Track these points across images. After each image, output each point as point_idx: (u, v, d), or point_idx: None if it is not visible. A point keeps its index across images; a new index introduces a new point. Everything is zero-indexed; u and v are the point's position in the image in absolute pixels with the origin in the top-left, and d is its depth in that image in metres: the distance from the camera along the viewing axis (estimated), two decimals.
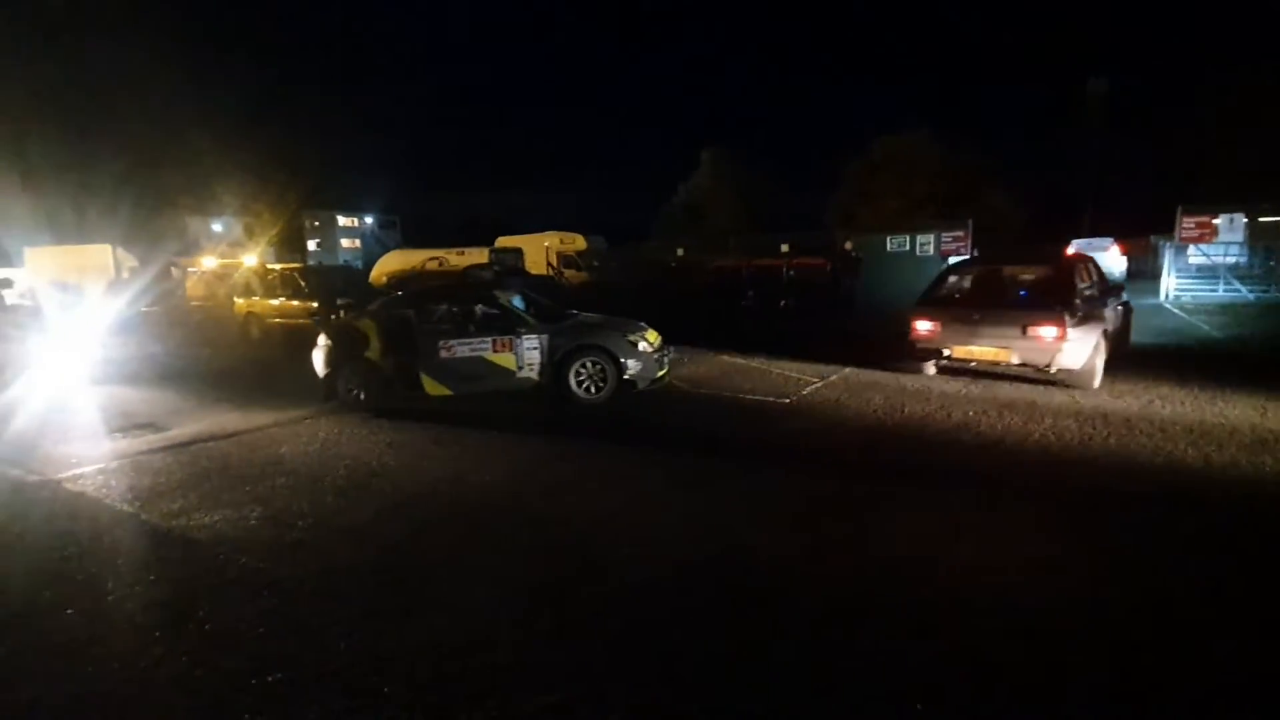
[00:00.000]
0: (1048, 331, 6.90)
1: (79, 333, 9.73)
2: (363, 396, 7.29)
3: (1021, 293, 8.03)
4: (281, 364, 11.54)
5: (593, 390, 7.26)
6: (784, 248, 21.73)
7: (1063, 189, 37.57)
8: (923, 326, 7.85)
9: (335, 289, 14.18)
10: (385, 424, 6.67)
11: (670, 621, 3.04)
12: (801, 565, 3.54)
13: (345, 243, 47.06)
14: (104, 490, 5.01)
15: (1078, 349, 6.94)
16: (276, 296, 14.34)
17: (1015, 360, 7.22)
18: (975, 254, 18.01)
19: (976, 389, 7.43)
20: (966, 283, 8.25)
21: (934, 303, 8.06)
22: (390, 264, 23.00)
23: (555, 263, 23.52)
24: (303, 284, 14.19)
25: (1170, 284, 17.41)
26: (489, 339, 7.16)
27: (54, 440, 6.38)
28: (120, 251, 20.38)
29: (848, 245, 20.18)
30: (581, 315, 7.97)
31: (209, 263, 23.14)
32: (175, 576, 3.61)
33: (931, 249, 16.09)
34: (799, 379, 8.24)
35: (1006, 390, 7.31)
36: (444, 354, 7.12)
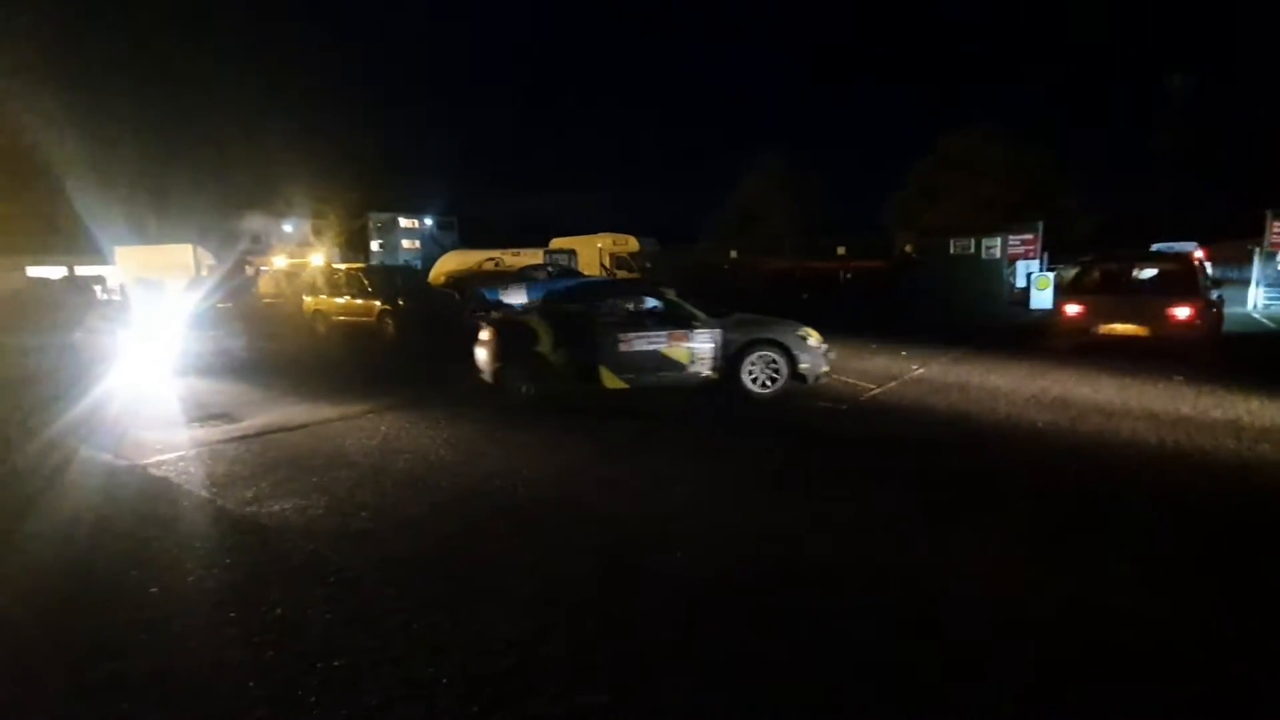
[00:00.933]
0: (1182, 312, 8.83)
1: (161, 327, 10.33)
2: (532, 391, 7.38)
3: (1155, 283, 9.93)
4: (346, 360, 12.01)
5: (765, 385, 7.28)
6: (840, 250, 21.37)
7: (1139, 190, 35.64)
8: (1072, 310, 9.78)
9: (396, 288, 14.70)
10: (443, 421, 6.84)
11: (719, 625, 3.02)
12: (858, 577, 3.46)
13: (405, 243, 48.48)
14: (184, 476, 5.30)
15: (1204, 326, 8.84)
16: (342, 295, 14.92)
17: (1151, 334, 9.05)
18: (1046, 258, 17.31)
19: (1047, 398, 7.12)
20: (1100, 277, 10.30)
21: (1079, 290, 10.18)
22: (448, 264, 23.63)
23: (608, 264, 23.70)
24: (366, 283, 14.73)
25: (1259, 293, 16.25)
26: (665, 332, 7.24)
27: (140, 428, 6.80)
28: (200, 250, 21.57)
29: (908, 248, 19.67)
30: (738, 313, 7.86)
31: (279, 262, 24.27)
32: (248, 561, 3.79)
33: (998, 252, 15.52)
34: (856, 385, 8.06)
35: (1079, 395, 6.99)
36: (622, 347, 7.18)
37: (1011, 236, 16.76)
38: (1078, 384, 7.74)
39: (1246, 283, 17.07)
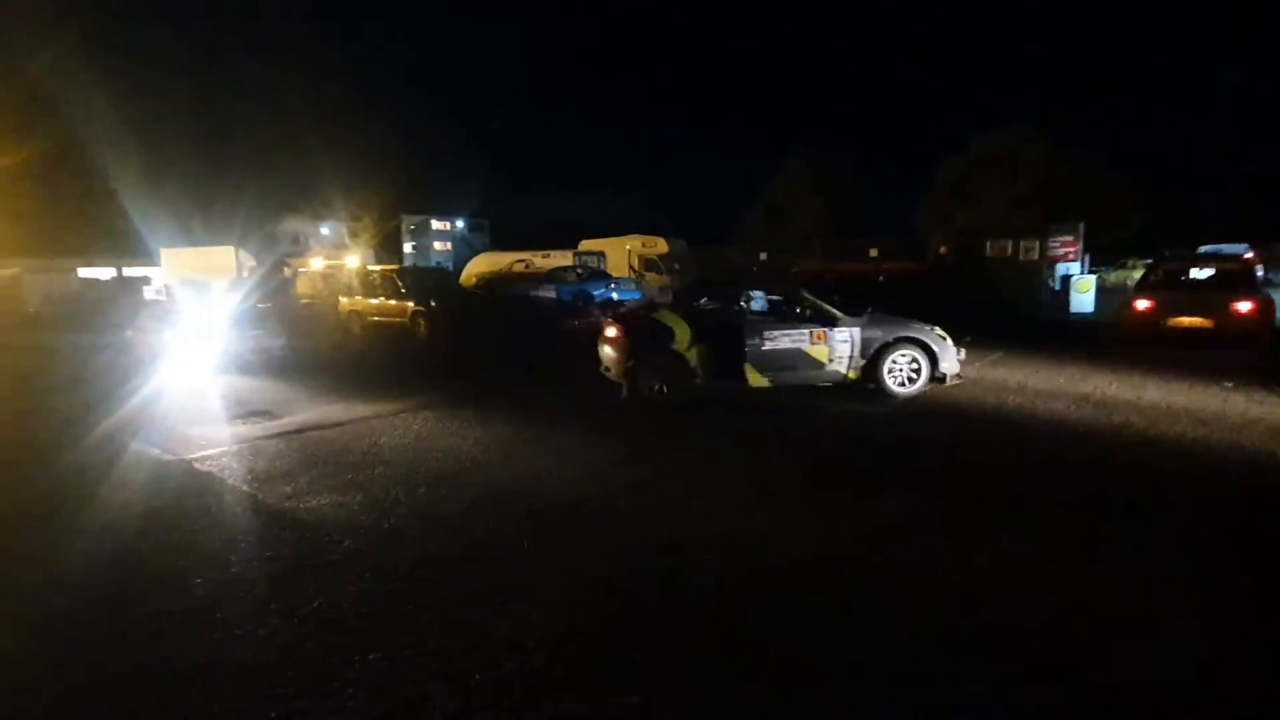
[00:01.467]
0: (1244, 306, 9.59)
1: (205, 326, 10.66)
2: (665, 390, 7.22)
3: (1217, 281, 10.65)
4: (380, 359, 12.25)
5: (904, 384, 7.29)
6: (872, 252, 21.08)
7: (1188, 189, 34.44)
8: (1142, 305, 10.32)
9: (429, 290, 14.95)
10: (474, 421, 6.94)
11: (751, 627, 3.01)
12: (893, 580, 3.41)
13: (437, 245, 49.19)
14: (227, 471, 5.47)
15: (1264, 320, 9.56)
16: (376, 296, 15.22)
17: (1215, 326, 9.67)
18: (1087, 260, 16.81)
19: (1088, 402, 6.93)
20: (1164, 275, 11.14)
21: (1148, 287, 10.87)
22: (479, 266, 23.94)
23: (636, 265, 23.75)
24: (399, 285, 15.00)
25: None
26: (808, 330, 7.24)
27: (185, 424, 7.03)
28: (241, 252, 22.19)
29: (942, 249, 19.31)
30: (871, 311, 7.73)
31: (316, 264, 24.83)
32: (287, 554, 3.89)
33: (1036, 253, 15.15)
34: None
35: (1122, 399, 6.79)
36: (767, 345, 7.17)
37: (1051, 238, 16.33)
38: (1120, 388, 7.52)
39: None
